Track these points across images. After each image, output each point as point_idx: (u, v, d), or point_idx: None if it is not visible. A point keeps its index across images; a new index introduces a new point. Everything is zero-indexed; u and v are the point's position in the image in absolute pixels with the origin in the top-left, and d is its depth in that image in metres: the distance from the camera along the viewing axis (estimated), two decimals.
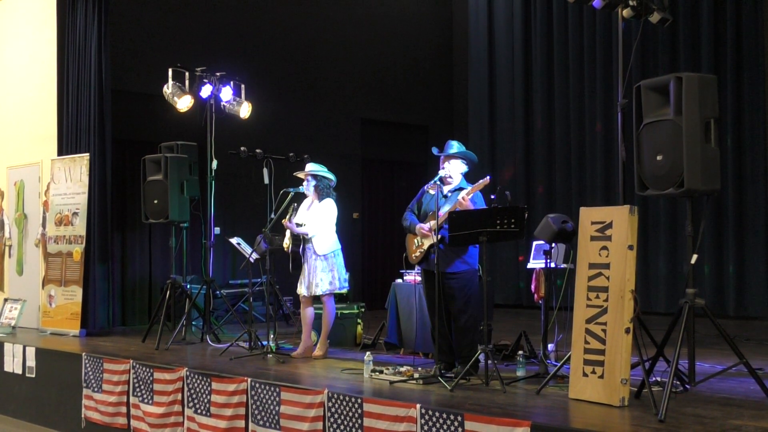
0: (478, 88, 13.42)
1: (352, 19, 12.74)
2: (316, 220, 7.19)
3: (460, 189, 6.19)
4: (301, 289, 7.27)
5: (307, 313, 7.34)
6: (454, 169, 6.28)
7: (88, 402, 7.38)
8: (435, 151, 6.36)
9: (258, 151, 8.24)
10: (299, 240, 7.21)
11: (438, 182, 6.12)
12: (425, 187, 6.29)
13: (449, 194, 6.22)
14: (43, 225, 9.82)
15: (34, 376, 8.13)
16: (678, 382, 5.23)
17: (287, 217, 7.28)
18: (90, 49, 9.26)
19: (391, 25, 13.19)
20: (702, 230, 5.24)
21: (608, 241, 5.13)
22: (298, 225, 7.20)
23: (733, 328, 8.27)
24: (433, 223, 6.05)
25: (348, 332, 8.17)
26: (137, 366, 6.98)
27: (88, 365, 7.43)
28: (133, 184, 9.82)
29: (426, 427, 4.90)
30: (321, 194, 7.29)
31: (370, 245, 12.85)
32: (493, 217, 5.73)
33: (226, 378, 6.21)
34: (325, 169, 7.36)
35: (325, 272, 7.19)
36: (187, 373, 6.52)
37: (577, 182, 12.01)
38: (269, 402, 5.83)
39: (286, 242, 7.31)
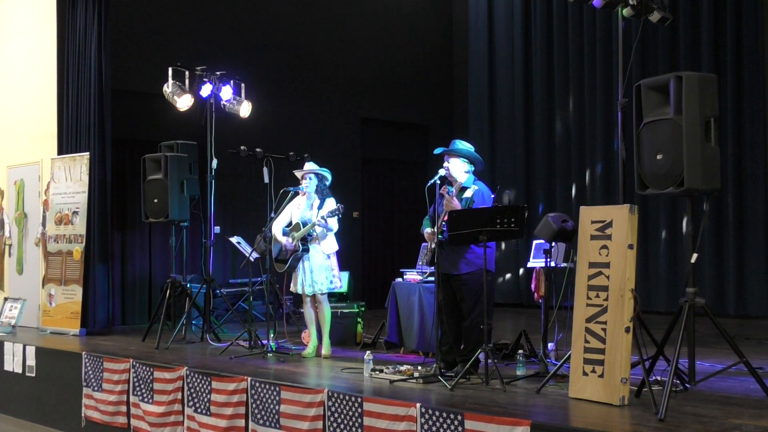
0: (478, 88, 13.42)
1: (352, 19, 12.74)
2: (330, 218, 7.18)
3: (464, 189, 6.19)
4: (305, 288, 7.23)
5: (311, 311, 7.35)
6: (455, 168, 6.26)
7: (88, 401, 7.38)
8: (436, 151, 6.36)
9: (258, 150, 8.22)
10: (305, 240, 7.20)
11: (438, 182, 6.10)
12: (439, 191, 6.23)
13: (450, 193, 6.20)
14: (43, 224, 9.82)
15: (34, 375, 8.13)
16: (678, 381, 5.23)
17: (316, 218, 7.20)
18: (90, 48, 9.26)
19: (391, 24, 13.19)
20: (702, 229, 5.25)
21: (608, 240, 5.13)
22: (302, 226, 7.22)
23: (733, 327, 8.27)
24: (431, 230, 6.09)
25: (348, 331, 8.17)
26: (137, 365, 6.98)
27: (88, 364, 7.43)
28: (133, 184, 9.82)
29: (426, 426, 4.90)
30: (321, 193, 7.29)
31: (370, 245, 12.86)
32: (493, 216, 5.74)
33: (226, 377, 6.21)
34: (321, 168, 7.35)
35: (327, 271, 7.22)
36: (187, 372, 6.52)
37: (577, 181, 12.02)
38: (269, 401, 5.83)
39: (284, 239, 7.29)
